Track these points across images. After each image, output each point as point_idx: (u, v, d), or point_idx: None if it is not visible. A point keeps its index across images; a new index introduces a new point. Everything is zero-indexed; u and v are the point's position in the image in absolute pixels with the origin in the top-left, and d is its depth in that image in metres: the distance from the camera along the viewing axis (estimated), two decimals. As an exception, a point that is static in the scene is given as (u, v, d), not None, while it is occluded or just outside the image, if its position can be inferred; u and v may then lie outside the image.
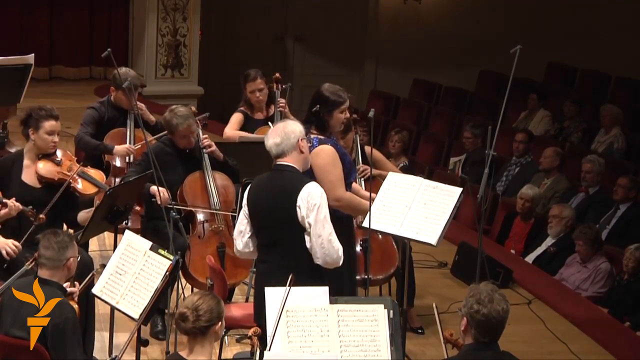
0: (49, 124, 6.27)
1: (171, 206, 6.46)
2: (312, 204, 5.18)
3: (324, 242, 5.19)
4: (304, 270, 5.09)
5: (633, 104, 12.74)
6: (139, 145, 7.46)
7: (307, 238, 5.22)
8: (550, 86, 13.60)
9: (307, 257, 5.23)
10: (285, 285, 4.59)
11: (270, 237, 5.34)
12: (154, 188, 6.61)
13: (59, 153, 6.41)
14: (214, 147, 7.02)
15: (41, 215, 6.01)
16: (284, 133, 5.31)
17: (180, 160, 6.91)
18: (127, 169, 7.35)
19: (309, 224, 5.19)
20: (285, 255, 5.25)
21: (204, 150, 6.97)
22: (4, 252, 5.92)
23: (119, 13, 13.92)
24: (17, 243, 5.96)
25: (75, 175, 6.35)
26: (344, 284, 5.68)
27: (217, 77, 14.59)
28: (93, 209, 6.25)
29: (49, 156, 6.36)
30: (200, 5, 13.58)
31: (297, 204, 5.19)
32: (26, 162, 6.33)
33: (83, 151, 7.64)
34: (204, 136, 7.07)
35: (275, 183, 5.32)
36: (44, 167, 6.31)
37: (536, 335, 7.42)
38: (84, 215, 6.31)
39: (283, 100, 7.85)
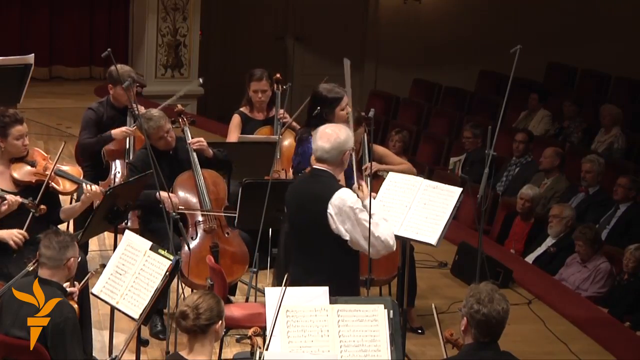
0: (16, 130, 6.12)
1: (178, 212, 6.45)
2: (344, 211, 5.19)
3: (376, 242, 5.19)
4: (329, 273, 5.14)
5: (633, 104, 12.74)
6: (134, 127, 7.42)
7: (350, 243, 5.24)
8: (550, 86, 13.59)
9: (334, 260, 5.27)
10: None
11: (301, 240, 5.41)
12: (163, 194, 6.63)
13: (31, 153, 6.29)
14: (204, 146, 6.99)
15: (42, 206, 5.98)
16: (337, 143, 5.27)
17: (165, 163, 6.84)
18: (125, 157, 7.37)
19: (349, 231, 5.20)
20: (313, 259, 5.31)
21: (192, 148, 6.94)
22: (11, 243, 5.90)
23: (119, 13, 13.91)
24: (21, 231, 5.92)
25: (52, 175, 6.21)
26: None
27: (217, 77, 14.58)
28: (76, 204, 6.24)
29: (21, 159, 6.23)
30: (200, 5, 13.56)
31: (328, 211, 5.22)
32: (0, 168, 6.21)
33: (88, 154, 7.62)
34: (198, 138, 7.03)
35: (309, 187, 5.36)
36: (19, 171, 6.18)
37: (536, 335, 7.41)
38: (67, 210, 6.30)
39: (282, 111, 7.81)
